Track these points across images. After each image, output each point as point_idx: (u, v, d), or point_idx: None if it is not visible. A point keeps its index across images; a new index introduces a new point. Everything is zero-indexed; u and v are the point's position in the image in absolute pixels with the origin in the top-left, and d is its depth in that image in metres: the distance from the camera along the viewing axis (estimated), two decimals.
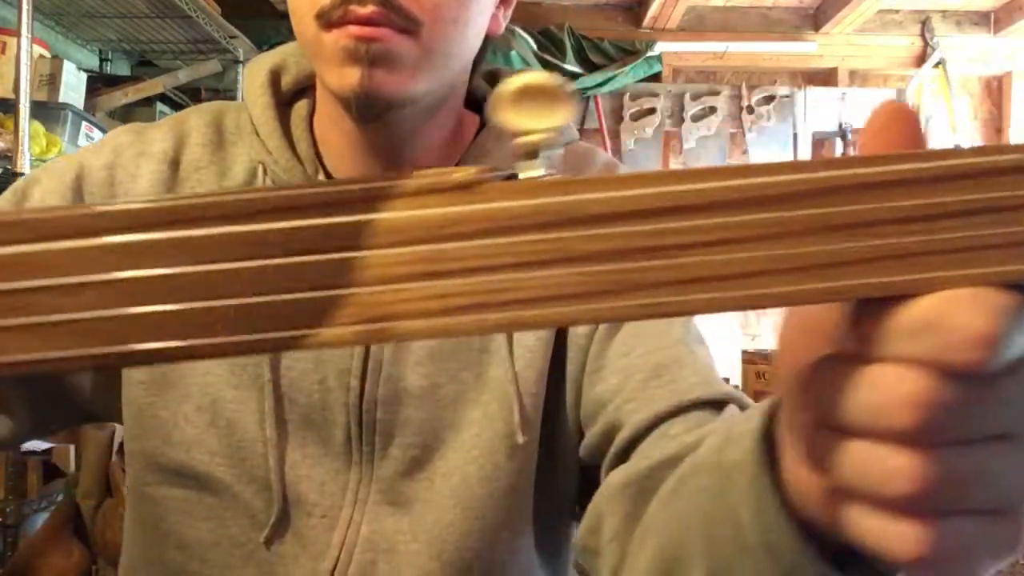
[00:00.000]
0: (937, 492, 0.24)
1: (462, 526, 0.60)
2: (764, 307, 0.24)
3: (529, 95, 0.25)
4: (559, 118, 0.25)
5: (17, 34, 1.78)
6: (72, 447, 2.22)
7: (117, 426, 1.74)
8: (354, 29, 0.54)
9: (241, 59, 2.81)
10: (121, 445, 1.97)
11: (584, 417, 0.62)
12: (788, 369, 0.29)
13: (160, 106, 2.71)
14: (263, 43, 2.98)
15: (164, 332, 0.22)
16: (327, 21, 0.54)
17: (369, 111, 0.57)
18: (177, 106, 2.70)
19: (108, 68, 2.95)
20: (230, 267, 0.23)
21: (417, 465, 0.61)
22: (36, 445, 2.17)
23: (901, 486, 0.24)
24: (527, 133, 0.25)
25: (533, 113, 0.25)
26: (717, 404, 0.57)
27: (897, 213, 0.23)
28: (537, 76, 0.25)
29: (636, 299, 0.23)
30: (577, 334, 0.62)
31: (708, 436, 0.51)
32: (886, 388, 0.24)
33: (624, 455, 0.57)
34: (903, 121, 0.25)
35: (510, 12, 0.66)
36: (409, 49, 0.55)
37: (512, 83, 0.25)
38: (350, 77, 0.55)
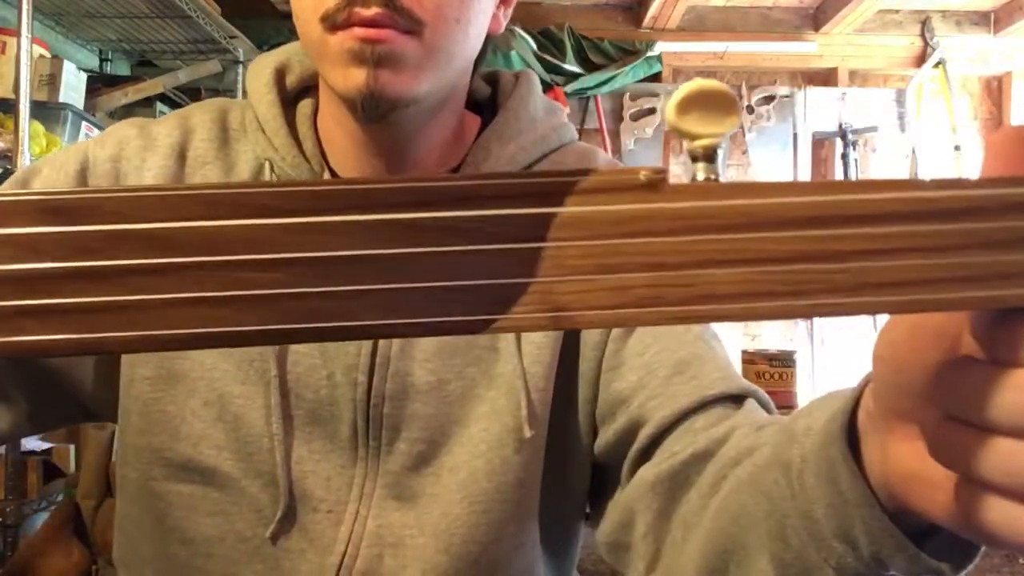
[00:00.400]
0: None
1: (469, 520, 0.60)
2: (924, 311, 0.26)
3: (701, 101, 0.26)
4: (729, 124, 0.26)
5: (17, 34, 1.79)
6: (72, 447, 2.22)
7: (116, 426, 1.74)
8: (359, 31, 0.54)
9: (241, 59, 2.81)
10: None
11: (600, 414, 0.63)
12: (900, 366, 0.31)
13: (160, 106, 2.71)
14: (263, 43, 2.98)
15: (360, 311, 0.23)
16: (332, 24, 0.55)
17: (374, 111, 0.57)
18: (177, 106, 2.69)
19: (108, 68, 2.95)
20: (421, 251, 0.23)
21: (423, 460, 0.61)
22: (36, 445, 2.17)
23: None
24: (700, 137, 0.26)
25: (705, 118, 0.26)
26: (737, 398, 0.58)
27: None
28: (708, 83, 0.26)
29: (805, 300, 0.25)
30: (591, 332, 0.63)
31: (737, 429, 0.54)
32: None
33: (648, 451, 0.58)
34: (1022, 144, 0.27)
35: (510, 11, 0.67)
36: (413, 49, 0.56)
37: (685, 89, 0.26)
38: (356, 78, 0.55)
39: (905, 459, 0.32)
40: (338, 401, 0.61)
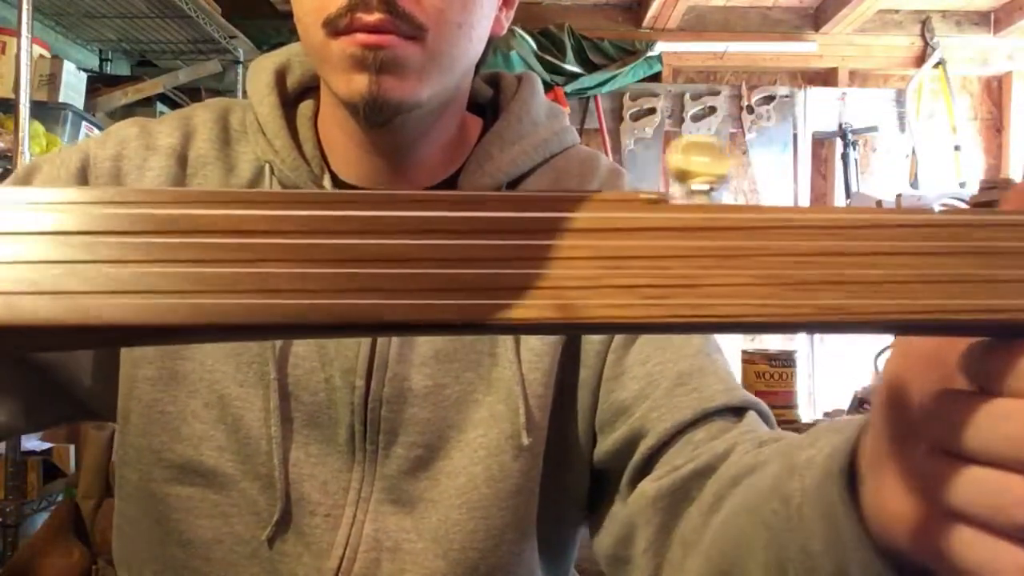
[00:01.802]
0: None
1: (468, 526, 0.60)
2: (915, 317, 0.25)
3: (696, 150, 0.28)
4: (723, 167, 0.28)
5: (17, 34, 1.79)
6: (72, 447, 2.22)
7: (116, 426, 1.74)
8: (361, 37, 0.54)
9: (241, 59, 2.81)
10: None
11: (600, 422, 0.63)
12: (896, 397, 0.31)
13: (160, 106, 2.71)
14: (263, 43, 2.98)
15: (350, 294, 0.24)
16: (334, 29, 0.55)
17: (377, 116, 0.57)
18: (177, 106, 2.69)
19: (108, 68, 2.95)
20: (432, 243, 0.25)
21: (421, 464, 0.61)
22: (36, 445, 2.17)
23: None
24: (702, 175, 0.28)
25: (701, 163, 0.29)
26: (738, 411, 0.59)
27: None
28: (702, 136, 0.28)
29: (812, 299, 0.25)
30: (592, 341, 0.63)
31: (739, 445, 0.54)
32: (1022, 420, 0.25)
33: (648, 462, 0.59)
34: None
35: (512, 13, 0.67)
36: (415, 55, 0.56)
37: (684, 139, 0.28)
38: (358, 84, 0.55)
39: (896, 497, 0.31)
40: (336, 404, 0.61)
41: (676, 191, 3.28)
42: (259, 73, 0.67)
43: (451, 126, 0.65)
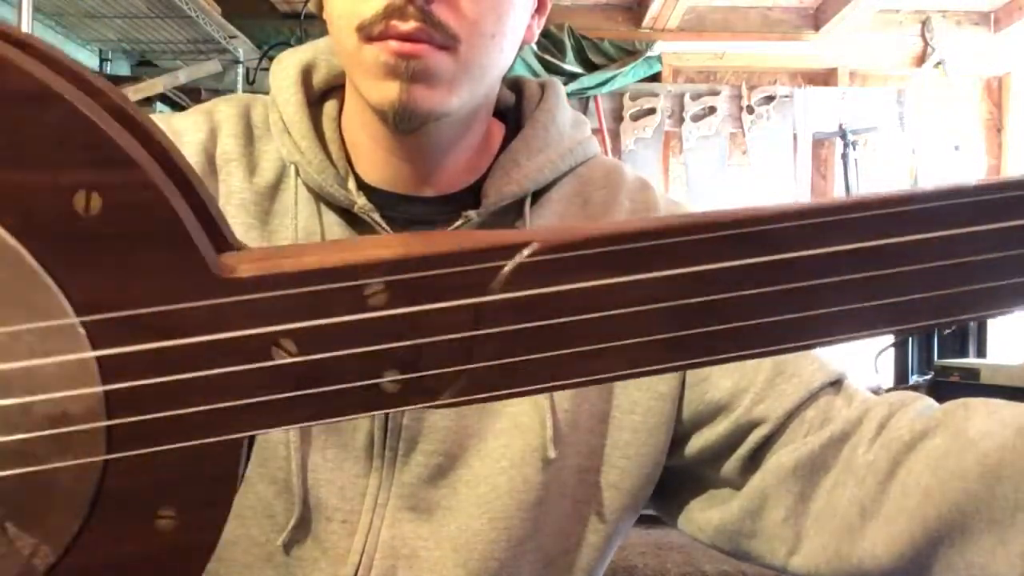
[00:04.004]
0: None
1: (488, 535, 0.60)
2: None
3: None
4: None
5: None
6: None
7: None
8: (394, 45, 0.54)
9: (241, 59, 2.81)
10: None
11: (693, 423, 0.64)
12: None
13: (160, 106, 2.71)
14: (263, 43, 2.98)
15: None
16: (368, 35, 0.55)
17: (406, 124, 0.57)
18: (177, 106, 2.70)
19: (108, 68, 2.95)
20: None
21: (440, 472, 0.61)
22: None
23: None
24: None
25: None
26: (834, 382, 0.63)
27: None
28: None
29: None
30: None
31: (870, 410, 0.59)
32: None
33: (764, 445, 0.61)
34: None
35: (543, 20, 0.66)
36: (447, 65, 0.55)
37: None
38: (389, 92, 0.55)
39: None
40: None
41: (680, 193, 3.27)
42: (284, 70, 0.66)
43: (478, 133, 0.65)
